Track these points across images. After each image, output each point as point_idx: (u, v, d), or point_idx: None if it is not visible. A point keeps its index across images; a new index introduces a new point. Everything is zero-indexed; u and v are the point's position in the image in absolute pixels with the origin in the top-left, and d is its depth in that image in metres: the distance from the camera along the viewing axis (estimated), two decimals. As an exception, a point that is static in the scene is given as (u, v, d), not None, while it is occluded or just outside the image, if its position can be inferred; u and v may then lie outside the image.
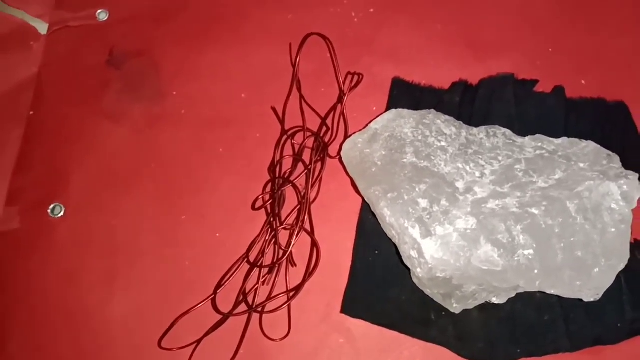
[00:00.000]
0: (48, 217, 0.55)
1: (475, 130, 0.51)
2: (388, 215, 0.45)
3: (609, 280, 0.44)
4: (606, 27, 0.60)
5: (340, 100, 0.56)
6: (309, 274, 0.50)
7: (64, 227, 0.54)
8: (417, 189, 0.45)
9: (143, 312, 0.52)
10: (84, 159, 0.57)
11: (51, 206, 0.55)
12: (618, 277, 0.47)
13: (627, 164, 0.49)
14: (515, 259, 0.43)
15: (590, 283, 0.44)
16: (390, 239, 0.48)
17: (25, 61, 0.60)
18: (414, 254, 0.44)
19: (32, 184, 0.56)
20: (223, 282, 0.51)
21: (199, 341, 0.50)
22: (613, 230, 0.44)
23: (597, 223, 0.44)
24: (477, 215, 0.44)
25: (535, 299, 0.49)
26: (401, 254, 0.46)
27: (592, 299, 0.45)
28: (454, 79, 0.57)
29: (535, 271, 0.43)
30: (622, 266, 0.44)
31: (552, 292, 0.44)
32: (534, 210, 0.44)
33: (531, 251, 0.43)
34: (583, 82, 0.57)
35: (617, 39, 0.59)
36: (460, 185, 0.46)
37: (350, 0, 0.61)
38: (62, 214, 0.55)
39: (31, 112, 0.58)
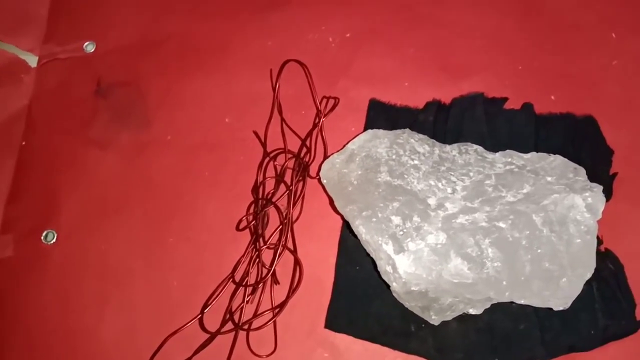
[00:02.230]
0: (41, 243, 0.57)
1: (448, 147, 0.53)
2: (363, 233, 0.47)
3: (577, 289, 0.46)
4: (572, 47, 0.62)
5: (316, 123, 0.58)
6: (292, 290, 0.52)
7: (56, 253, 0.56)
8: (390, 207, 0.47)
9: (133, 333, 0.53)
10: (74, 186, 0.59)
11: (44, 233, 0.57)
12: (590, 286, 0.49)
13: (597, 177, 0.51)
14: (485, 271, 0.45)
15: (558, 292, 0.46)
16: (370, 256, 0.50)
17: (16, 93, 0.63)
18: (389, 269, 0.46)
19: (25, 211, 0.58)
20: (210, 301, 0.53)
21: (187, 360, 0.51)
22: (579, 241, 0.46)
23: (563, 235, 0.46)
24: (447, 230, 0.46)
25: (512, 309, 0.51)
26: (378, 269, 0.48)
27: (561, 308, 0.46)
28: (427, 99, 0.59)
29: (504, 282, 0.45)
30: (588, 275, 0.46)
31: (522, 302, 0.46)
32: (502, 224, 0.46)
33: (499, 263, 0.45)
34: (552, 97, 0.59)
35: (583, 58, 0.61)
36: (432, 201, 0.48)
37: (327, 26, 0.64)
38: (54, 240, 0.57)
39: (23, 143, 0.61)
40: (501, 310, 0.51)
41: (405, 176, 0.49)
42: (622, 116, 0.58)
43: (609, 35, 0.62)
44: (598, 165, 0.55)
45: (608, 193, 0.53)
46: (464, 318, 0.51)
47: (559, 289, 0.45)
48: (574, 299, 0.46)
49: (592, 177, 0.51)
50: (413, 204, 0.47)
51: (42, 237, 0.57)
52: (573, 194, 0.47)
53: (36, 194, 0.59)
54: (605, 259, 0.52)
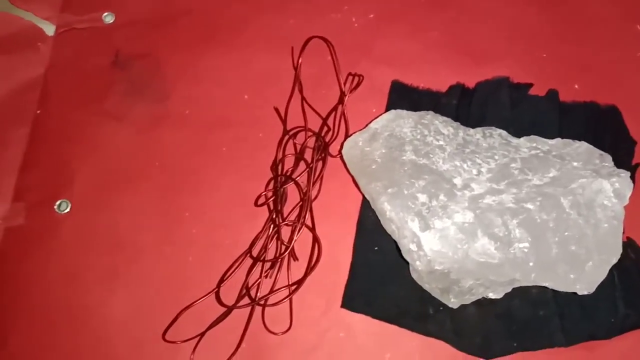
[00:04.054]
0: (54, 213, 0.56)
1: (472, 131, 0.52)
2: (388, 210, 0.46)
3: (602, 274, 0.46)
4: (597, 36, 0.62)
5: (341, 100, 0.58)
6: (310, 268, 0.52)
7: (69, 223, 0.55)
8: (416, 185, 0.46)
9: (147, 306, 0.52)
10: (88, 157, 0.58)
11: (58, 202, 0.56)
12: (611, 274, 0.49)
13: (619, 165, 0.51)
14: (511, 251, 0.44)
15: (583, 277, 0.45)
16: (389, 236, 0.49)
17: (32, 61, 0.62)
18: (413, 247, 0.45)
19: (38, 181, 0.57)
20: (226, 276, 0.52)
21: (202, 334, 0.50)
22: (606, 225, 0.46)
23: (590, 218, 0.45)
24: (474, 209, 0.45)
25: (531, 295, 0.51)
26: (400, 248, 0.47)
27: (585, 292, 0.46)
28: (450, 83, 0.59)
29: (531, 264, 0.44)
30: (614, 260, 0.46)
31: (547, 284, 0.46)
32: (529, 206, 0.45)
33: (526, 244, 0.44)
34: (576, 86, 0.59)
35: (608, 47, 0.61)
36: (457, 181, 0.48)
37: (350, 6, 0.63)
38: (68, 210, 0.56)
39: (38, 111, 0.60)
40: (520, 296, 0.50)
41: (431, 156, 0.49)
42: (646, 108, 0.58)
43: (634, 27, 0.62)
44: (620, 156, 0.55)
45: (630, 183, 0.53)
46: (483, 303, 0.50)
47: (584, 272, 0.45)
48: (598, 283, 0.46)
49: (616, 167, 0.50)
50: (439, 183, 0.47)
51: (55, 207, 0.56)
52: (600, 179, 0.47)
53: (50, 163, 0.58)
54: (627, 248, 0.52)
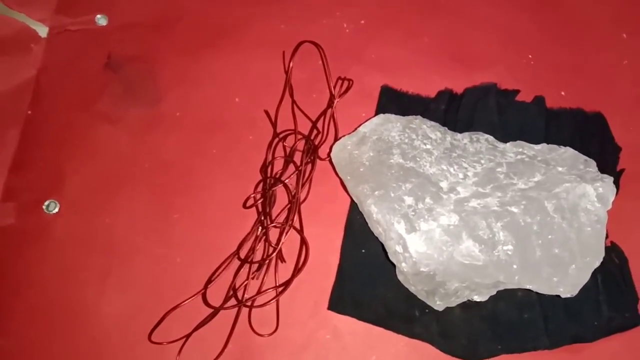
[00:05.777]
0: (43, 213, 0.56)
1: (459, 135, 0.53)
2: (375, 212, 0.47)
3: (585, 277, 0.46)
4: (585, 44, 0.63)
5: (330, 104, 0.58)
6: (297, 270, 0.52)
7: (59, 224, 0.56)
8: (403, 187, 0.47)
9: (135, 307, 0.53)
10: (80, 158, 0.58)
11: (46, 202, 0.56)
12: (595, 277, 0.50)
13: (604, 171, 0.51)
14: (495, 254, 0.45)
15: (567, 279, 0.46)
16: (376, 239, 0.50)
17: (25, 63, 0.62)
18: (399, 249, 0.46)
19: (29, 181, 0.57)
20: (213, 276, 0.52)
21: (188, 335, 0.51)
22: (589, 229, 0.46)
23: (574, 222, 0.46)
24: (460, 212, 0.46)
25: (516, 297, 0.51)
26: (387, 250, 0.47)
27: (568, 295, 0.46)
28: (440, 89, 0.59)
29: (515, 266, 0.45)
30: (597, 263, 0.46)
31: (531, 287, 0.46)
32: (514, 209, 0.46)
33: (510, 247, 0.45)
34: (563, 93, 0.60)
35: (595, 55, 0.62)
36: (444, 185, 0.48)
37: (342, 12, 0.64)
38: (56, 210, 0.56)
39: (29, 112, 0.60)
40: (505, 299, 0.51)
41: (418, 159, 0.49)
42: (631, 115, 0.59)
43: (620, 35, 0.63)
44: (605, 161, 0.56)
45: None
46: (468, 305, 0.51)
47: (567, 275, 0.45)
48: (581, 286, 0.46)
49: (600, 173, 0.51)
50: (425, 186, 0.47)
51: (43, 207, 0.56)
52: (584, 184, 0.47)
53: (41, 164, 0.58)
54: (611, 252, 0.52)
